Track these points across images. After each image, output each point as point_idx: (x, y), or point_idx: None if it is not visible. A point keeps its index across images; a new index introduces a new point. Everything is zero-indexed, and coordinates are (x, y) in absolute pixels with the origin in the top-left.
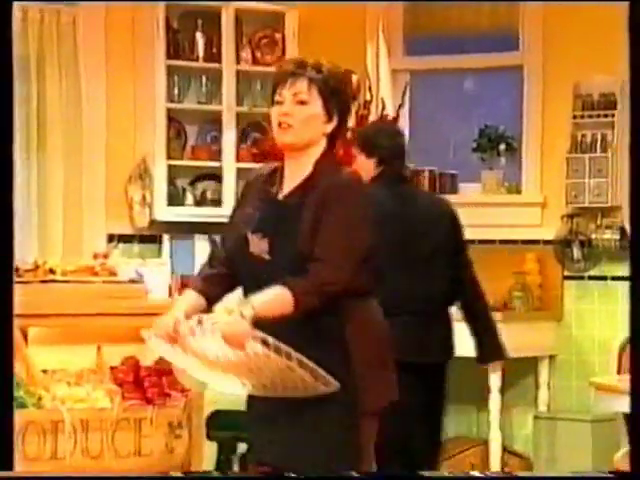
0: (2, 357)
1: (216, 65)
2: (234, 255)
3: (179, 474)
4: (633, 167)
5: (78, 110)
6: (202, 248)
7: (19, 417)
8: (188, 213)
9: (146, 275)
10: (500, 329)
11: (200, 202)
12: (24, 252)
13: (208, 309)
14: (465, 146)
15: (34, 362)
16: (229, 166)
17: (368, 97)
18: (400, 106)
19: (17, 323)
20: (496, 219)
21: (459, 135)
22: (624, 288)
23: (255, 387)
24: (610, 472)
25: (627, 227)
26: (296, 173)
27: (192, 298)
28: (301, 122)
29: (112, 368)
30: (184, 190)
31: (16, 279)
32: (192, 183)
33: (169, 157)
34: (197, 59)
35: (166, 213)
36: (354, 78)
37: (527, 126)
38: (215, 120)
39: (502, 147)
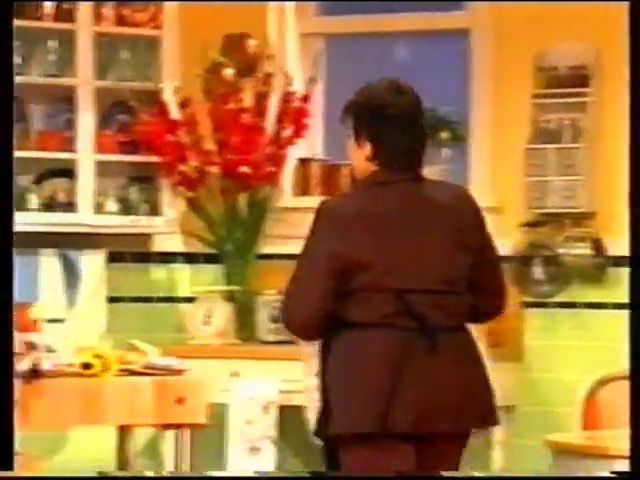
0: (2, 356)
1: (68, 25)
2: None
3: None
4: (633, 167)
5: None
6: (49, 266)
7: None
8: (32, 220)
9: None
10: None
11: (48, 206)
12: None
13: None
14: None
15: None
16: (86, 158)
17: (270, 69)
18: (312, 80)
19: None
20: None
21: None
22: (599, 318)
23: None
24: (611, 472)
25: (603, 239)
26: None
27: None
28: (348, 154)
29: None
30: (27, 190)
31: None
32: (38, 181)
33: None
34: (42, 17)
35: None
36: (250, 44)
37: (475, 108)
38: (68, 98)
39: (444, 135)
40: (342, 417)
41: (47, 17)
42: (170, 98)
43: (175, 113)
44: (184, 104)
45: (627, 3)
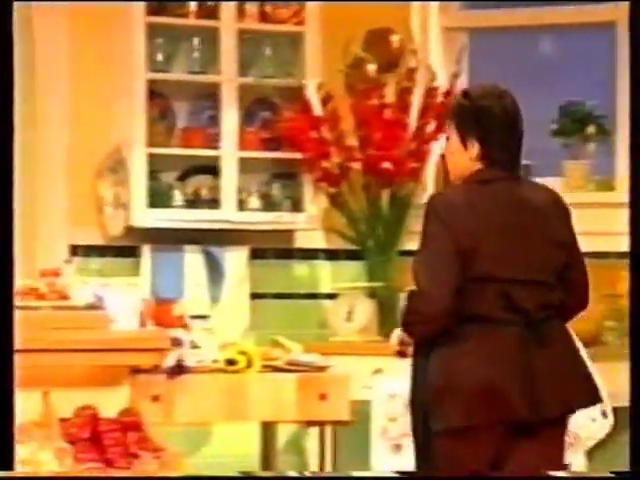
0: (2, 355)
1: (212, 22)
2: None
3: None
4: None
5: (29, 80)
6: (193, 263)
7: None
8: (176, 217)
9: (108, 299)
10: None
11: (192, 203)
12: None
13: None
14: (542, 129)
15: None
16: (229, 155)
17: (413, 64)
18: (455, 76)
19: None
20: (582, 224)
21: (534, 114)
22: None
23: None
24: (611, 472)
25: None
26: None
27: None
28: (447, 156)
29: (63, 421)
30: (171, 187)
31: None
32: (182, 178)
33: (151, 144)
34: (187, 15)
35: (147, 217)
36: (393, 39)
37: (623, 102)
38: (211, 95)
39: (590, 130)
40: (456, 411)
41: (191, 14)
42: (313, 94)
43: (317, 109)
44: (326, 100)
45: (627, 3)
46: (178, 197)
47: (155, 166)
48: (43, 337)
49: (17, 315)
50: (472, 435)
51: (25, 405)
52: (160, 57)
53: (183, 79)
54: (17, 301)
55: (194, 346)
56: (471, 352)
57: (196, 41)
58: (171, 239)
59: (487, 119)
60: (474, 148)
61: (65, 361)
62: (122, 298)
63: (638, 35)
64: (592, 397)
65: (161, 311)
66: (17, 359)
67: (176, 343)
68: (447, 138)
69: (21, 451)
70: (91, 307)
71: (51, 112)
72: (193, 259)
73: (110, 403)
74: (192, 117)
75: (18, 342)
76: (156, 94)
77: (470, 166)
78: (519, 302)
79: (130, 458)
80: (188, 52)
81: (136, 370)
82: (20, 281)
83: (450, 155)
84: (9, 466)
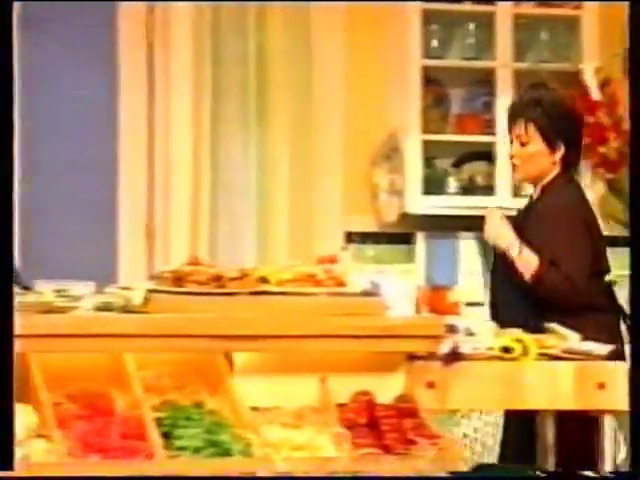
0: (2, 355)
1: (488, 8)
2: None
3: None
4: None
5: (307, 71)
6: (468, 250)
7: (219, 467)
8: (451, 204)
9: (384, 285)
10: None
11: (467, 189)
12: (239, 255)
13: None
14: None
15: (241, 397)
16: (505, 142)
17: None
18: None
19: (219, 346)
20: None
21: None
22: None
23: None
24: (610, 472)
25: None
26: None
27: None
28: (525, 161)
29: (340, 406)
30: (446, 173)
31: (219, 290)
32: (457, 164)
33: (426, 131)
34: (462, 0)
35: (421, 204)
36: None
37: None
38: (486, 81)
39: None
40: None
41: (467, 0)
42: (590, 79)
43: (595, 94)
44: (604, 84)
45: (627, 3)
46: (453, 184)
47: (430, 153)
48: (320, 323)
49: (294, 302)
50: None
51: (303, 390)
52: (435, 43)
53: (458, 65)
54: (293, 287)
55: (469, 333)
56: None
57: (471, 26)
58: (445, 226)
59: (574, 121)
60: (560, 151)
61: (341, 347)
62: (398, 285)
63: (638, 35)
64: None
65: (436, 298)
66: (295, 345)
67: (451, 330)
68: (523, 143)
69: (298, 436)
70: (367, 294)
71: (327, 101)
72: (467, 246)
73: (385, 389)
74: (467, 103)
75: (296, 328)
76: (431, 81)
77: (549, 169)
78: None
79: (407, 444)
80: (463, 38)
81: (412, 356)
82: (299, 268)
83: (528, 157)
84: (9, 466)
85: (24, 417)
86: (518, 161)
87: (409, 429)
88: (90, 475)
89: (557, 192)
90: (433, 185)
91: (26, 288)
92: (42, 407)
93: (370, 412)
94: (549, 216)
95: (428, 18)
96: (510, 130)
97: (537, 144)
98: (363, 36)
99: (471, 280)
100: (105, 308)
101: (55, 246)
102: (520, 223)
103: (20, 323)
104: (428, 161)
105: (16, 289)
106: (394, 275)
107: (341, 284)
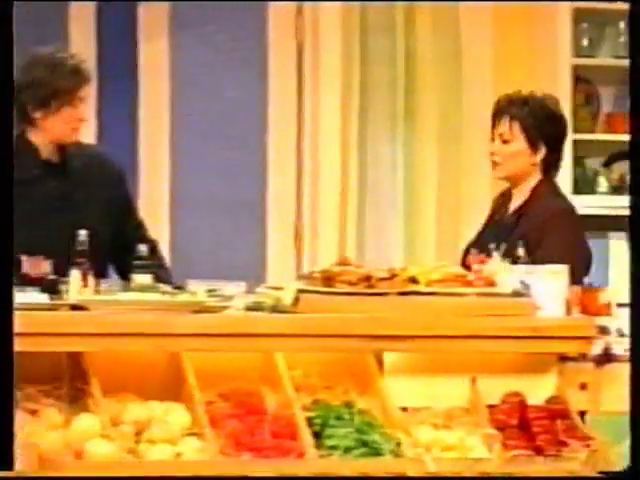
0: (2, 354)
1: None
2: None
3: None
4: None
5: (456, 71)
6: (618, 250)
7: (370, 467)
8: (601, 204)
9: (534, 286)
10: None
11: (617, 189)
12: (386, 255)
13: None
14: None
15: (392, 398)
16: None
17: None
18: None
19: (369, 346)
20: None
21: None
22: None
23: None
24: (610, 472)
25: None
26: (518, 197)
27: None
28: (506, 159)
29: (491, 407)
30: (596, 173)
31: (368, 290)
32: (607, 164)
33: (576, 130)
34: None
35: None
36: None
37: None
38: None
39: None
40: None
41: None
42: None
43: None
44: None
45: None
46: (603, 183)
47: (580, 152)
48: (470, 323)
49: (444, 302)
50: None
51: (453, 391)
52: (585, 42)
53: (608, 64)
54: (442, 288)
55: (621, 334)
56: None
57: (622, 25)
58: (596, 226)
59: (557, 124)
60: (541, 152)
61: (491, 348)
62: (548, 285)
63: (638, 35)
64: None
65: (587, 299)
66: (445, 345)
67: (603, 331)
68: (505, 140)
69: (449, 437)
70: (517, 294)
71: (476, 101)
72: (618, 246)
73: (537, 390)
74: (617, 102)
75: (446, 329)
76: (581, 79)
77: (529, 170)
78: None
79: (559, 446)
80: (614, 36)
81: (564, 358)
82: (448, 268)
83: (509, 156)
84: (9, 466)
85: (177, 416)
86: (499, 158)
87: (561, 431)
88: (242, 475)
89: (551, 197)
90: (583, 185)
91: (179, 288)
92: (195, 406)
93: (521, 413)
94: (554, 218)
95: (579, 16)
96: (493, 127)
97: (520, 143)
98: (512, 35)
99: (622, 280)
100: (256, 308)
101: (205, 247)
102: (511, 224)
103: (172, 323)
104: (578, 160)
105: (168, 288)
106: (545, 276)
107: (491, 284)
